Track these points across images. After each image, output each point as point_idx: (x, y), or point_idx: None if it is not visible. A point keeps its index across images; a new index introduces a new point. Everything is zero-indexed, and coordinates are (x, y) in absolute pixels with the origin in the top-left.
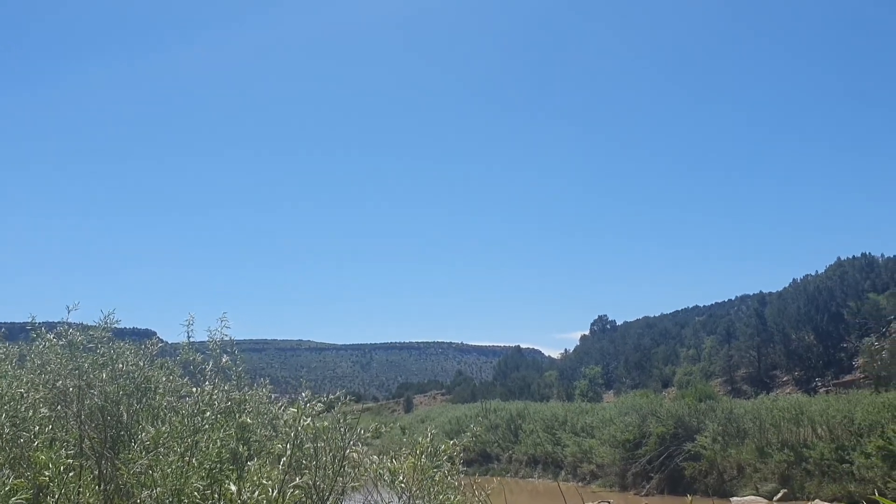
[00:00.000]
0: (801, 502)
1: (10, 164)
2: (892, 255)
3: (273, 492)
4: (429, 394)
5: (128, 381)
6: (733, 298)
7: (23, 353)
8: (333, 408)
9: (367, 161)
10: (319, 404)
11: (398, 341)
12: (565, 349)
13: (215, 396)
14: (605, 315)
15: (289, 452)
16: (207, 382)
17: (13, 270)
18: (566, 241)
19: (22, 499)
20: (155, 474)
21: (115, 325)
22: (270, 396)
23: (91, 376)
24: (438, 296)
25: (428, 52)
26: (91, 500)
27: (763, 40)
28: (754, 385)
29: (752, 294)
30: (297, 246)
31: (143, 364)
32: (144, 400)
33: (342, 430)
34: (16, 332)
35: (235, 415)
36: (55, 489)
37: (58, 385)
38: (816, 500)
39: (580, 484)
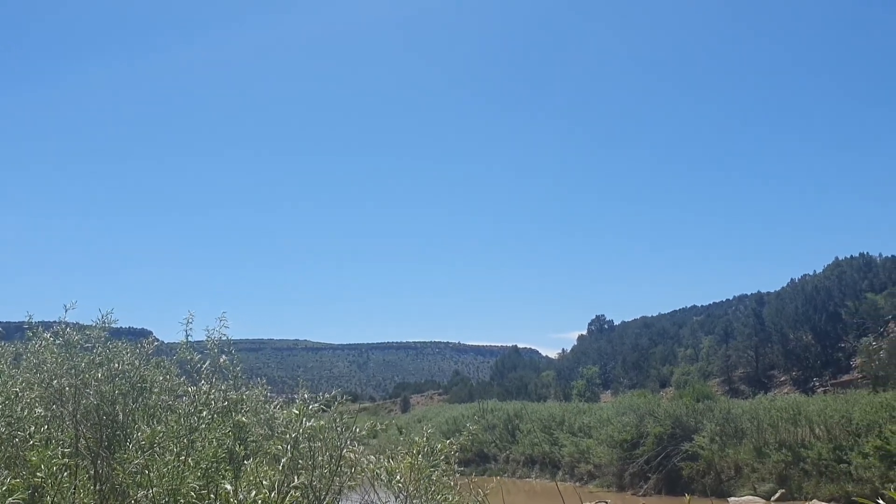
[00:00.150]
0: (799, 502)
1: (8, 163)
2: (889, 255)
3: (272, 493)
4: (426, 394)
5: (124, 381)
6: (731, 298)
7: (19, 352)
8: (330, 407)
9: (364, 161)
10: (315, 405)
11: (395, 341)
12: (563, 349)
13: (212, 396)
14: (603, 315)
15: (289, 455)
16: (204, 382)
17: (11, 270)
18: (564, 241)
19: (18, 499)
20: (151, 474)
21: (112, 325)
22: (267, 396)
23: (87, 376)
24: (435, 295)
25: (428, 53)
26: (86, 500)
27: (760, 40)
28: (752, 385)
29: (749, 294)
30: (293, 246)
31: (139, 363)
32: (140, 399)
33: (339, 429)
34: (12, 332)
35: (232, 414)
36: (50, 489)
37: (53, 384)
38: (814, 501)
39: (578, 484)
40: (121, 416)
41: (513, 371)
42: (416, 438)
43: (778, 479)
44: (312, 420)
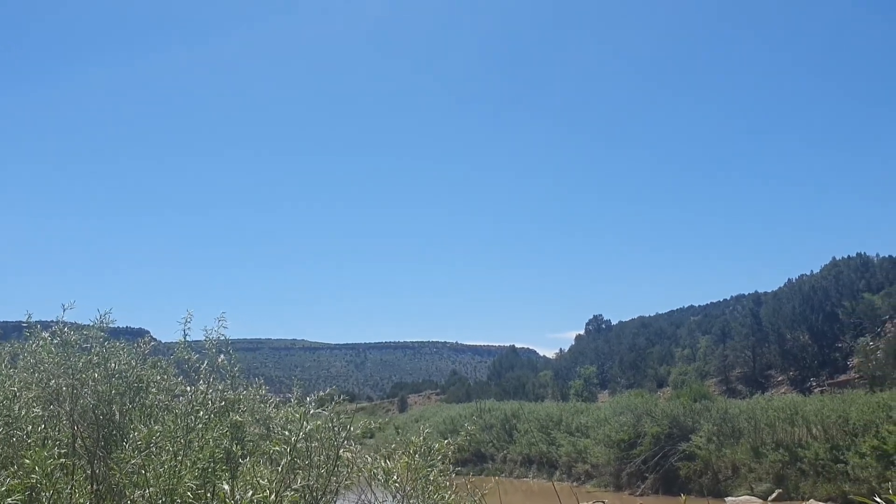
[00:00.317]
0: (796, 502)
1: (8, 163)
2: (887, 255)
3: (271, 495)
4: (423, 393)
5: (120, 381)
6: (728, 298)
7: (15, 352)
8: (326, 406)
9: (362, 161)
10: (313, 405)
11: (393, 341)
12: (560, 349)
13: (209, 396)
14: (601, 315)
15: (288, 458)
16: (202, 381)
17: (10, 270)
18: (561, 241)
19: (17, 499)
20: (147, 474)
21: (110, 325)
22: (264, 396)
23: (84, 375)
24: (433, 295)
25: (427, 54)
26: (83, 500)
27: (758, 40)
28: (749, 385)
29: (747, 294)
30: (291, 245)
31: (136, 363)
32: (137, 399)
33: (336, 429)
34: (10, 331)
35: (230, 414)
36: (46, 489)
37: (51, 384)
38: (811, 500)
39: (575, 484)
40: (118, 416)
41: (510, 371)
42: (413, 438)
43: (775, 479)
44: (308, 420)
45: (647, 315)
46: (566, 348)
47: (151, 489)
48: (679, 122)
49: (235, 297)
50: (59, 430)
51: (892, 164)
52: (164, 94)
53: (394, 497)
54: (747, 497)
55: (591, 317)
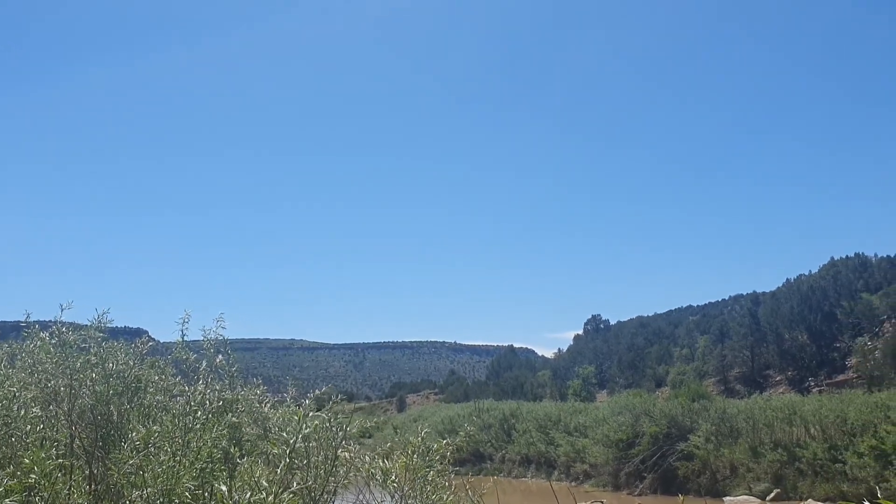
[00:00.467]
0: (794, 502)
1: (6, 163)
2: (885, 255)
3: (270, 496)
4: (422, 393)
5: (118, 381)
6: (727, 298)
7: (14, 352)
8: (322, 406)
9: (361, 161)
10: (312, 405)
11: (391, 340)
12: (559, 349)
13: (207, 396)
14: (599, 314)
15: (287, 460)
16: (201, 382)
17: (8, 269)
18: (560, 241)
19: (15, 500)
20: (146, 474)
21: (108, 325)
22: (262, 396)
23: (82, 375)
24: (432, 295)
25: (427, 54)
26: (81, 501)
27: (755, 40)
28: (747, 385)
29: (745, 294)
30: (290, 245)
31: (134, 363)
32: (135, 399)
33: (334, 429)
34: (8, 331)
35: (228, 414)
36: (44, 490)
37: (50, 385)
38: (809, 500)
39: (573, 484)
40: (116, 417)
41: (509, 371)
42: (412, 438)
43: (773, 479)
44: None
45: (646, 315)
46: (564, 348)
47: (150, 489)
48: (677, 122)
49: (234, 296)
50: (57, 431)
51: (891, 164)
52: (164, 93)
53: (392, 497)
54: (745, 497)
55: (590, 317)
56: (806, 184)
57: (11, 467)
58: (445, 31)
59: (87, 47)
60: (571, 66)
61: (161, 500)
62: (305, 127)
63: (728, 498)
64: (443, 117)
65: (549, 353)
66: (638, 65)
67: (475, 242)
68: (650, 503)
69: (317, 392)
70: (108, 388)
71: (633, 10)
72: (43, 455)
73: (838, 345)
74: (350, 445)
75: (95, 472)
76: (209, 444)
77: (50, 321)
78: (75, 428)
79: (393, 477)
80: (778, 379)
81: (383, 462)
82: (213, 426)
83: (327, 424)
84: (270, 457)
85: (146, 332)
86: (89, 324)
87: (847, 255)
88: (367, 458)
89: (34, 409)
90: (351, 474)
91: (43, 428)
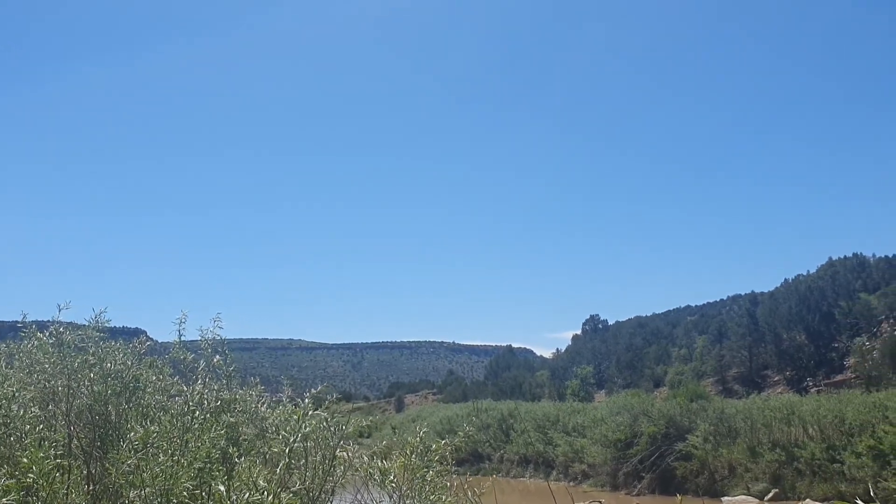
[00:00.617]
0: (792, 502)
1: (5, 163)
2: (883, 256)
3: (269, 496)
4: (420, 393)
5: (116, 381)
6: (725, 298)
7: (12, 352)
8: (321, 406)
9: (360, 161)
10: (310, 404)
11: (389, 340)
12: (557, 349)
13: (205, 396)
14: (597, 315)
15: (286, 459)
16: (199, 382)
17: (6, 269)
18: (558, 241)
19: (13, 499)
20: (144, 474)
21: (106, 324)
22: (260, 396)
23: (80, 375)
24: (430, 295)
25: (426, 55)
26: (79, 501)
27: (753, 40)
28: (746, 385)
29: (743, 294)
30: (288, 245)
31: (132, 363)
32: (133, 399)
33: (332, 429)
34: (6, 331)
35: (227, 414)
36: (43, 489)
37: (49, 384)
38: (807, 500)
39: (571, 484)
40: (114, 416)
41: (507, 371)
42: (410, 438)
43: (771, 479)
44: (306, 420)
45: (644, 315)
46: (563, 348)
47: (148, 489)
48: (676, 122)
49: (232, 296)
50: (55, 431)
51: (889, 164)
52: (163, 93)
53: (390, 497)
54: (744, 497)
55: (588, 317)
56: (804, 184)
57: (9, 467)
58: (445, 31)
59: (86, 47)
60: (571, 66)
61: (159, 500)
62: (305, 127)
63: (726, 498)
64: (442, 117)
65: (547, 354)
66: (638, 65)
67: (474, 242)
68: (648, 503)
69: (313, 391)
70: (106, 387)
71: (632, 10)
72: (41, 455)
73: (836, 345)
74: (348, 445)
75: (93, 471)
76: (207, 444)
77: (48, 321)
78: (73, 428)
79: (391, 477)
80: (776, 379)
81: (381, 462)
82: (212, 426)
83: (325, 424)
84: (268, 456)
85: (144, 332)
86: (87, 324)
87: (845, 256)
88: (364, 457)
89: (33, 409)
90: (349, 474)
91: (41, 428)
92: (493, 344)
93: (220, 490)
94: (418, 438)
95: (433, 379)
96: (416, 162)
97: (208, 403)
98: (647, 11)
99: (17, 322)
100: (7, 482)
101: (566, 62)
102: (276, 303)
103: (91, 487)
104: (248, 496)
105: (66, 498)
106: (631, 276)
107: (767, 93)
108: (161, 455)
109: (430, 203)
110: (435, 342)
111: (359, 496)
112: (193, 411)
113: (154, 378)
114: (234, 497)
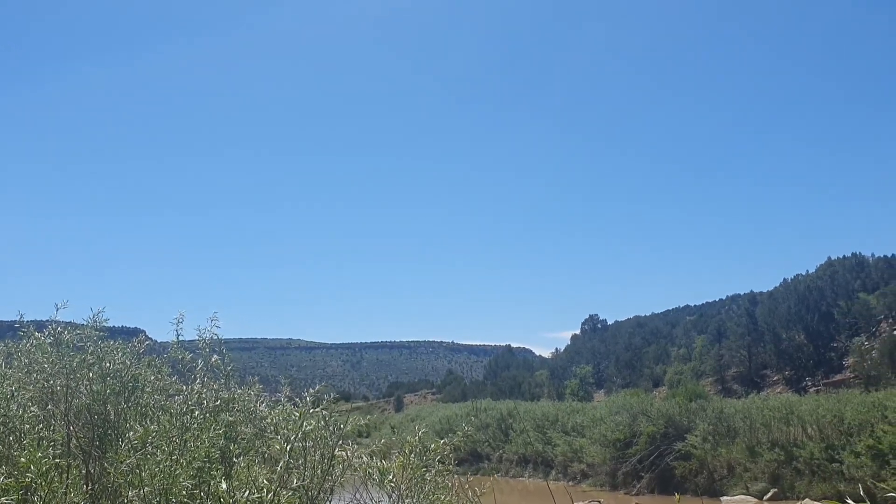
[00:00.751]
0: (791, 502)
1: (3, 163)
2: (882, 255)
3: (269, 494)
4: (419, 393)
5: (115, 380)
6: (724, 298)
7: (10, 351)
8: (319, 405)
9: (359, 161)
10: (310, 404)
11: (388, 340)
12: (556, 348)
13: (204, 395)
14: (596, 314)
15: (286, 457)
16: (198, 381)
17: (6, 269)
18: (557, 241)
19: (10, 499)
20: (143, 473)
21: (105, 324)
22: (259, 395)
23: (79, 375)
24: (429, 295)
25: (426, 55)
26: (78, 500)
27: (753, 40)
28: (745, 384)
29: (742, 294)
30: (287, 245)
31: (131, 362)
32: (132, 398)
33: (331, 428)
34: (5, 331)
35: (226, 414)
36: (41, 489)
37: (48, 384)
38: (806, 500)
39: (570, 483)
40: (112, 416)
41: (506, 370)
42: (409, 438)
43: (770, 479)
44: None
45: (643, 315)
46: (562, 348)
47: (147, 489)
48: (676, 122)
49: (231, 296)
50: (54, 430)
51: (888, 164)
52: (163, 93)
53: (389, 497)
54: (743, 496)
55: (587, 316)
56: (803, 184)
57: (8, 466)
58: (445, 31)
59: (86, 47)
60: (571, 66)
61: (158, 499)
62: (305, 127)
63: (725, 497)
64: (442, 117)
65: (546, 353)
66: (638, 64)
67: (473, 242)
68: (647, 503)
69: (311, 391)
70: (105, 387)
71: (632, 10)
72: (40, 454)
73: (835, 345)
74: (347, 444)
75: (92, 471)
76: (206, 444)
77: (47, 321)
78: (72, 427)
79: (390, 476)
80: (775, 379)
81: (381, 461)
82: (211, 426)
83: (324, 423)
84: (267, 455)
85: (143, 331)
86: (85, 323)
87: (844, 255)
88: (363, 457)
89: (31, 409)
90: (348, 473)
91: (40, 427)
92: (493, 344)
93: (222, 488)
94: (417, 438)
95: (432, 379)
96: (415, 162)
97: (207, 403)
98: (647, 11)
99: (14, 322)
100: (6, 481)
101: (566, 62)
102: (276, 302)
103: (90, 487)
104: (248, 494)
105: (65, 497)
106: (630, 275)
107: (767, 93)
108: (160, 454)
109: (430, 203)
110: (434, 342)
111: (358, 495)
112: (192, 411)
113: (153, 378)
114: (235, 495)
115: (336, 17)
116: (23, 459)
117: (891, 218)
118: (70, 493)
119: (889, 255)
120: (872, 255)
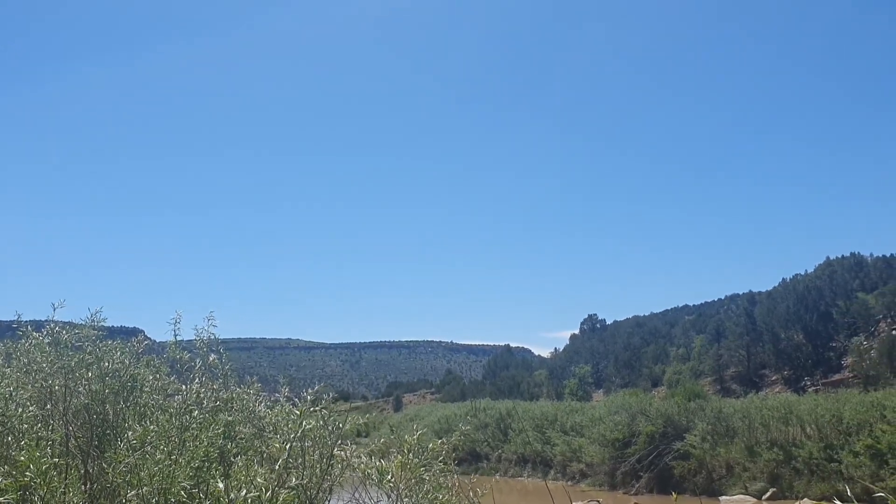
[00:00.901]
0: (790, 501)
1: (1, 162)
2: (880, 255)
3: (267, 492)
4: (418, 393)
5: (114, 380)
6: (723, 298)
7: (9, 351)
8: (317, 404)
9: (359, 161)
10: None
11: (387, 340)
12: (555, 348)
13: (203, 395)
14: (595, 314)
15: (286, 455)
16: (196, 381)
17: (3, 269)
18: (556, 241)
19: (8, 499)
20: (141, 473)
21: (103, 324)
22: (259, 395)
23: (77, 374)
24: (428, 295)
25: (426, 55)
26: (76, 500)
27: (753, 40)
28: (743, 384)
29: (741, 293)
30: (286, 245)
31: (129, 362)
32: (131, 398)
33: (330, 428)
34: (3, 331)
35: (225, 413)
36: (40, 489)
37: (46, 383)
38: (805, 500)
39: (569, 483)
40: (111, 416)
41: (505, 370)
42: (407, 437)
43: (769, 478)
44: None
45: (642, 314)
46: (561, 347)
47: (145, 488)
48: (675, 122)
49: (231, 296)
50: (52, 430)
51: (887, 164)
52: (162, 93)
53: (388, 497)
54: (742, 496)
55: (586, 316)
56: (802, 184)
57: (6, 466)
58: (445, 31)
59: (86, 47)
60: (571, 66)
61: (157, 499)
62: (305, 127)
63: (724, 497)
64: (442, 117)
65: (545, 353)
66: (638, 64)
67: (472, 242)
68: (646, 503)
69: (310, 391)
70: (103, 387)
71: (633, 10)
72: (38, 454)
73: (834, 344)
74: (346, 444)
75: (91, 470)
76: (205, 443)
77: (46, 320)
78: (71, 427)
79: (389, 476)
80: (774, 378)
81: (380, 461)
82: (210, 425)
83: (323, 422)
84: (266, 455)
85: (142, 331)
86: (84, 323)
87: (843, 255)
88: (362, 456)
89: (30, 408)
90: (346, 473)
91: (38, 427)
92: (492, 343)
93: (219, 487)
94: (415, 437)
95: (431, 378)
96: (415, 162)
97: (206, 403)
98: (647, 11)
99: (13, 322)
100: (4, 481)
101: (566, 62)
102: (275, 302)
103: (88, 486)
104: (246, 493)
105: (64, 497)
106: (629, 275)
107: (767, 93)
108: (158, 454)
109: (429, 203)
110: (433, 342)
111: (356, 495)
112: (191, 410)
113: (151, 377)
114: (232, 495)
115: (336, 17)
116: (22, 458)
117: (889, 218)
118: (69, 492)
119: (888, 255)
120: (871, 254)
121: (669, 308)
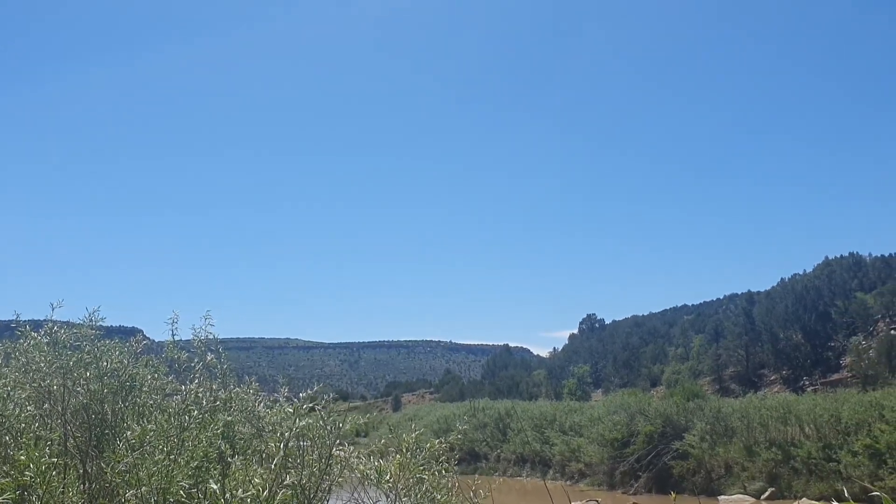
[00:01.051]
0: (789, 501)
1: (1, 162)
2: (879, 255)
3: (264, 492)
4: (417, 392)
5: (112, 380)
6: (721, 297)
7: (7, 351)
8: (318, 404)
9: (359, 161)
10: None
11: (386, 340)
12: (554, 348)
13: (201, 395)
14: (594, 314)
15: (281, 453)
16: (196, 381)
17: (4, 269)
18: (556, 241)
19: (7, 499)
20: (140, 473)
21: (102, 323)
22: (257, 395)
23: (76, 374)
24: (427, 294)
25: (426, 55)
26: (75, 500)
27: (753, 40)
28: (742, 384)
29: (740, 293)
30: (285, 245)
31: (128, 362)
32: (130, 398)
33: (328, 427)
34: (2, 331)
35: (224, 413)
36: (39, 488)
37: (45, 383)
38: (804, 499)
39: (568, 483)
40: (110, 415)
41: (504, 370)
42: (405, 437)
43: (768, 478)
44: (305, 419)
45: (641, 314)
46: (560, 347)
47: (144, 488)
48: (675, 123)
49: (230, 295)
50: (51, 429)
51: (886, 164)
52: (163, 93)
53: (387, 497)
54: (740, 496)
55: (585, 316)
56: (801, 183)
57: (5, 466)
58: (445, 32)
59: (86, 47)
60: (571, 67)
61: (155, 498)
62: (305, 127)
63: (723, 497)
64: (442, 117)
65: (544, 353)
66: (638, 65)
67: (471, 242)
68: (645, 502)
69: (309, 391)
70: (102, 386)
71: (633, 11)
72: (37, 454)
73: (833, 344)
74: (345, 444)
75: (90, 470)
76: (204, 443)
77: (45, 320)
78: (69, 427)
79: (387, 476)
80: (773, 378)
81: (378, 461)
82: (208, 425)
83: (321, 422)
84: (265, 455)
85: (141, 331)
86: (82, 322)
87: (841, 255)
88: (361, 456)
89: (28, 408)
90: (345, 473)
91: (37, 427)
92: (490, 343)
93: (213, 489)
94: (413, 437)
95: (430, 378)
96: (415, 162)
97: (205, 402)
98: (647, 12)
99: (11, 321)
100: (3, 481)
101: (566, 62)
102: (274, 302)
103: (87, 486)
104: (242, 492)
105: (63, 497)
106: (628, 275)
107: (766, 93)
108: (157, 454)
109: (429, 203)
110: (432, 341)
111: (355, 495)
112: (190, 410)
113: (150, 377)
114: (229, 495)
115: (336, 18)
116: (21, 458)
117: (888, 218)
118: (67, 492)
119: (886, 255)
120: (870, 254)
121: (668, 308)
